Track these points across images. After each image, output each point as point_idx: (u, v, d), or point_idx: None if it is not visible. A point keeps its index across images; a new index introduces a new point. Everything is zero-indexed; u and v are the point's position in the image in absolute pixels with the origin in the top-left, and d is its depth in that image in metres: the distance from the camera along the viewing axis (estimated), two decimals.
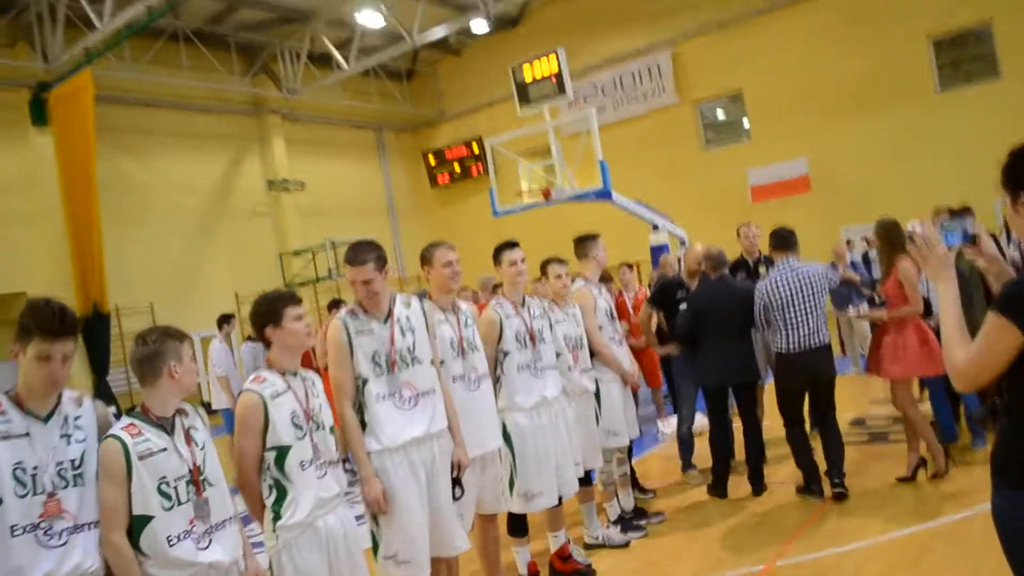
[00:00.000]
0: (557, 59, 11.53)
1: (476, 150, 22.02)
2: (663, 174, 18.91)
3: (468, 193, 22.51)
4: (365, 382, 3.75)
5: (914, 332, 5.75)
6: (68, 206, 15.37)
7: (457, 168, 23.27)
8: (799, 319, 5.76)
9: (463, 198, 22.86)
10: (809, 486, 5.89)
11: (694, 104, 19.78)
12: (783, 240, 5.98)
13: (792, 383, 5.92)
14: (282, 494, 3.25)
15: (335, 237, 18.41)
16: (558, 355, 5.07)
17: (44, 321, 2.68)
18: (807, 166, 17.59)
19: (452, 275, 4.30)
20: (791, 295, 5.77)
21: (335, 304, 10.16)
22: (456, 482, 3.94)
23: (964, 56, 16.93)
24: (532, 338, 4.79)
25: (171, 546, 2.80)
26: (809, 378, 5.88)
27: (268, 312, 3.40)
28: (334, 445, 3.47)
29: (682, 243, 12.11)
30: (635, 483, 6.47)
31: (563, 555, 5.06)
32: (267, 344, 3.43)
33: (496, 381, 4.60)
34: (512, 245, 4.94)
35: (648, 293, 8.19)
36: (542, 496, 4.66)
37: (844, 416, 6.63)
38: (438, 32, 18.11)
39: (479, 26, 19.67)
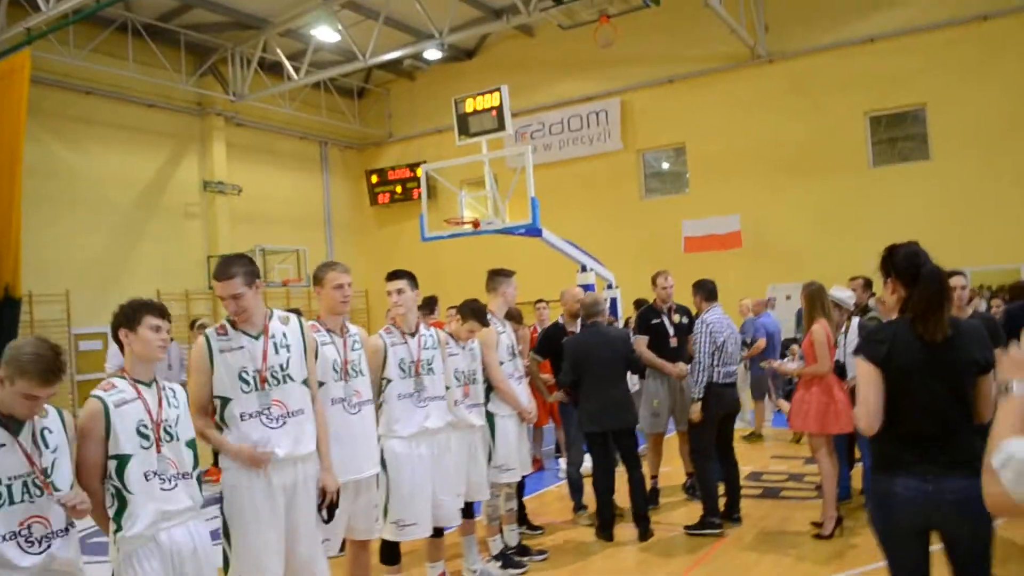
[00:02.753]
0: (500, 95, 11.61)
1: (419, 174, 21.86)
2: (602, 217, 19.13)
3: (407, 215, 22.31)
4: (226, 402, 3.63)
5: (820, 391, 6.01)
6: None
7: (399, 189, 23.18)
8: (728, 358, 6.40)
9: (402, 220, 22.71)
10: (707, 519, 6.24)
11: (638, 152, 20.11)
12: (711, 292, 6.65)
13: (716, 412, 6.39)
14: (123, 504, 3.13)
15: (265, 244, 18.18)
16: (447, 388, 5.03)
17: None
18: (739, 223, 17.94)
19: (343, 298, 4.27)
20: (726, 337, 6.39)
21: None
22: (328, 506, 3.84)
23: (899, 135, 17.51)
24: (417, 368, 4.74)
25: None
26: (728, 409, 6.52)
27: (127, 314, 3.26)
28: (190, 459, 3.35)
29: (609, 286, 12.22)
30: (524, 520, 6.45)
31: None
32: (121, 348, 3.30)
33: (378, 407, 4.54)
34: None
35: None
36: (415, 526, 4.61)
37: (743, 469, 6.77)
38: (392, 54, 18.13)
39: (433, 53, 19.74)
